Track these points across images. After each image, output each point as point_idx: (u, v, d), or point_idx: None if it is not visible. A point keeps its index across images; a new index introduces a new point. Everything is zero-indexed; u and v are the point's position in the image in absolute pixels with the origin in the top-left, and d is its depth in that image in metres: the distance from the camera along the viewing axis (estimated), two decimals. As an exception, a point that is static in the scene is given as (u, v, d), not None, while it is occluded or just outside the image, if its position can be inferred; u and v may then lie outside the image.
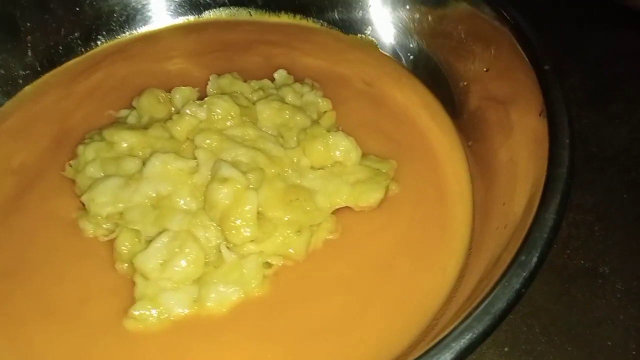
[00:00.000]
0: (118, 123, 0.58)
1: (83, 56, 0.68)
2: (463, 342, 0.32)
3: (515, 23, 0.52)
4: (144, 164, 0.51)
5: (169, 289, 0.46)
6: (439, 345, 0.32)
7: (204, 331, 0.46)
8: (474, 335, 0.32)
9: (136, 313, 0.45)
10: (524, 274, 0.35)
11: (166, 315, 0.46)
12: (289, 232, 0.49)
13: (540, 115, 0.46)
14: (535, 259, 0.35)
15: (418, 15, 0.63)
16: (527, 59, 0.50)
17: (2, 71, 0.63)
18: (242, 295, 0.47)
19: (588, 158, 0.64)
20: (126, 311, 0.46)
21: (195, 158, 0.51)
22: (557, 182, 0.39)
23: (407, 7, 0.64)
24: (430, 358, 0.31)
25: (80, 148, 0.55)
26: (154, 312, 0.46)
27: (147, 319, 0.45)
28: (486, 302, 0.33)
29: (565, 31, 0.75)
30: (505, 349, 0.50)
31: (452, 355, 0.31)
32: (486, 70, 0.56)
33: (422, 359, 0.31)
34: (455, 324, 0.33)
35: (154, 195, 0.49)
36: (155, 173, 0.49)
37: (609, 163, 0.63)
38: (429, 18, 0.62)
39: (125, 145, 0.53)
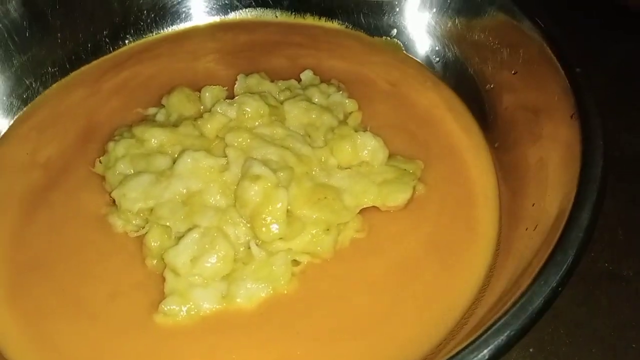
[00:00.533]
0: (147, 120, 0.59)
1: (111, 55, 0.69)
2: (501, 339, 0.32)
3: (545, 26, 0.53)
4: (174, 161, 0.52)
5: (199, 285, 0.47)
6: (477, 342, 0.32)
7: (233, 327, 0.46)
8: (512, 333, 0.32)
9: (166, 308, 0.46)
10: (561, 272, 0.35)
11: (195, 310, 0.47)
12: (316, 230, 0.50)
13: (571, 117, 0.46)
14: (571, 258, 0.35)
15: (444, 18, 0.64)
16: (557, 62, 0.50)
17: (32, 68, 0.64)
18: (271, 292, 0.48)
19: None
20: (155, 306, 0.47)
21: (225, 156, 0.51)
22: (592, 183, 0.40)
23: (434, 10, 0.64)
24: (468, 354, 0.31)
25: (111, 145, 0.56)
26: (183, 307, 0.46)
27: (176, 315, 0.46)
28: (523, 299, 0.34)
29: (585, 37, 0.76)
30: (530, 350, 0.50)
31: (490, 353, 0.31)
32: (514, 73, 0.56)
33: (461, 354, 0.31)
34: (493, 320, 0.33)
35: (184, 191, 0.50)
36: (186, 170, 0.50)
37: (630, 168, 0.64)
38: (455, 21, 0.63)
39: (155, 142, 0.54)
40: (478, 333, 0.33)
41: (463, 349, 0.32)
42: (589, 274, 0.55)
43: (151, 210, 0.50)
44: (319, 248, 0.50)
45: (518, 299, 0.34)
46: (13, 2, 0.60)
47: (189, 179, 0.50)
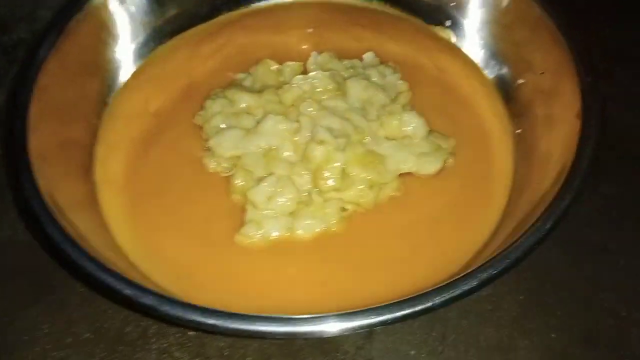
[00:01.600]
0: (236, 85, 0.73)
1: (207, 23, 0.81)
2: (484, 275, 0.46)
3: (571, 37, 0.63)
4: (258, 121, 0.66)
5: (271, 216, 0.61)
6: (466, 276, 0.46)
7: (293, 251, 0.60)
8: (493, 272, 0.46)
9: (245, 232, 0.61)
10: (539, 235, 0.48)
11: (267, 236, 0.61)
12: (363, 186, 0.62)
13: (576, 116, 0.57)
14: (548, 226, 0.49)
15: (492, 18, 0.74)
16: (575, 70, 0.61)
17: (149, 31, 0.78)
18: (324, 228, 0.61)
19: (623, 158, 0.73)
20: (237, 230, 0.61)
21: (298, 121, 0.65)
22: (576, 173, 0.52)
23: (484, 9, 0.74)
24: (458, 283, 0.46)
25: (208, 102, 0.70)
26: (258, 233, 0.61)
27: (252, 237, 0.60)
28: (510, 249, 0.47)
29: (610, 33, 0.82)
30: (520, 297, 0.62)
31: (475, 282, 0.46)
32: (542, 73, 0.67)
33: (454, 283, 0.46)
34: (479, 265, 0.47)
35: (265, 146, 0.64)
36: (268, 130, 0.64)
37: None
38: (500, 21, 0.73)
39: (243, 104, 0.68)
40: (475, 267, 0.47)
41: (456, 279, 0.46)
42: (583, 244, 0.66)
43: (238, 157, 0.65)
44: (363, 200, 0.63)
45: (504, 250, 0.48)
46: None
47: (269, 137, 0.64)
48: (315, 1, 0.83)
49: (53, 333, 0.61)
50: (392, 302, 0.46)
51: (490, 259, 0.48)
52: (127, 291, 0.46)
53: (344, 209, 0.63)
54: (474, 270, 0.47)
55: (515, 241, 0.48)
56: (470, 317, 0.62)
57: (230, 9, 0.83)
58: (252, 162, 0.64)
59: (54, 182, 0.56)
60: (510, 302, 0.62)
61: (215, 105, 0.69)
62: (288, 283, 0.59)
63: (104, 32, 0.71)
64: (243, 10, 0.83)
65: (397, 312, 0.45)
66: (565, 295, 0.63)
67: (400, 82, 0.72)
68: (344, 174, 0.62)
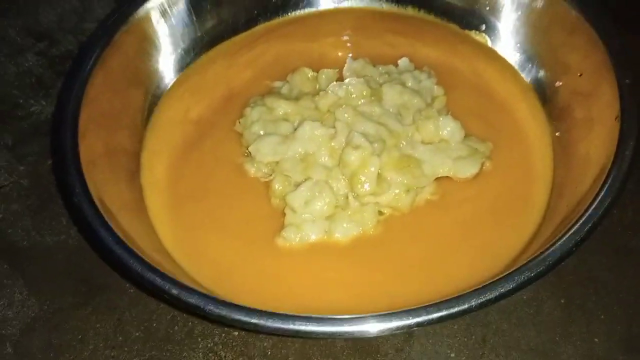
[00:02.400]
0: (274, 92, 0.75)
1: (245, 33, 0.83)
2: (523, 277, 0.46)
3: (610, 40, 0.62)
4: (295, 128, 0.68)
5: (309, 220, 0.62)
6: (504, 278, 0.46)
7: (331, 254, 0.62)
8: (531, 275, 0.46)
9: (285, 235, 0.62)
10: (577, 238, 0.48)
11: (306, 239, 0.62)
12: (399, 190, 0.63)
13: (615, 119, 0.57)
14: (586, 228, 0.48)
15: (527, 20, 0.74)
16: (614, 72, 0.60)
17: (189, 42, 0.80)
18: (361, 232, 0.62)
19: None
20: (277, 233, 0.62)
21: (335, 127, 0.66)
22: (616, 175, 0.51)
23: (519, 12, 0.74)
24: (496, 284, 0.46)
25: (247, 110, 0.72)
26: (297, 235, 0.62)
27: (292, 240, 0.62)
28: (548, 252, 0.47)
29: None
30: (562, 301, 0.62)
31: (513, 285, 0.46)
32: (580, 75, 0.66)
33: (492, 285, 0.46)
34: (518, 266, 0.47)
35: (302, 152, 0.65)
36: (305, 136, 0.65)
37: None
38: (537, 23, 0.73)
39: (281, 111, 0.70)
40: (513, 269, 0.47)
41: (494, 281, 0.46)
42: (622, 248, 0.65)
43: (277, 163, 0.66)
44: (399, 204, 0.63)
45: (542, 252, 0.48)
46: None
47: (306, 143, 0.65)
48: (350, 8, 0.85)
49: (104, 333, 0.63)
50: (429, 303, 0.46)
51: (528, 262, 0.48)
52: (174, 291, 0.48)
53: (381, 213, 0.64)
54: (510, 272, 0.47)
55: (552, 244, 0.48)
56: (511, 321, 0.61)
57: (266, 19, 0.85)
58: (290, 167, 0.65)
59: (103, 187, 0.59)
60: (551, 306, 0.62)
61: (254, 113, 0.71)
62: (326, 285, 0.61)
63: (146, 43, 0.74)
64: (279, 19, 0.85)
65: (434, 313, 0.46)
66: (608, 299, 0.62)
67: (436, 86, 0.73)
68: (380, 178, 0.63)
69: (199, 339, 0.62)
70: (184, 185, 0.69)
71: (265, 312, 0.47)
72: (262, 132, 0.69)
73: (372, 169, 0.63)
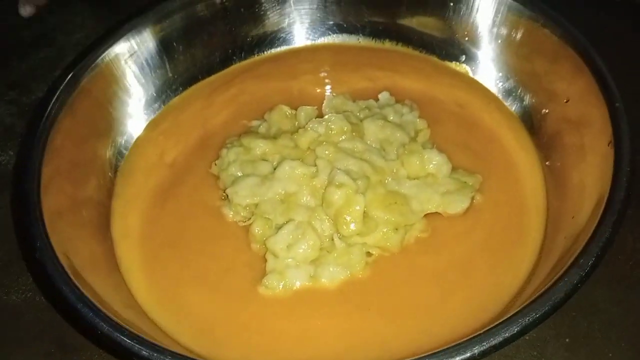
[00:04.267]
0: (251, 132, 0.72)
1: (220, 73, 0.81)
2: (527, 319, 0.42)
3: (595, 64, 0.60)
4: (274, 167, 0.64)
5: (293, 266, 0.59)
6: (507, 321, 0.42)
7: (318, 300, 0.58)
8: (536, 316, 0.42)
9: (267, 283, 0.58)
10: (581, 273, 0.44)
11: (290, 286, 0.58)
12: (387, 229, 0.60)
13: (608, 145, 0.54)
14: (591, 261, 0.45)
15: (508, 49, 0.72)
16: (602, 97, 0.58)
17: (160, 84, 0.78)
18: (349, 275, 0.59)
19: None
20: (259, 281, 0.58)
21: (316, 165, 0.63)
22: (616, 203, 0.48)
23: (499, 41, 0.73)
24: (499, 329, 0.42)
25: (224, 151, 0.69)
26: (280, 283, 0.58)
27: (275, 288, 0.58)
28: (549, 292, 0.43)
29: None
30: (567, 340, 0.58)
31: (518, 328, 0.42)
32: (566, 102, 0.64)
33: (495, 330, 0.42)
34: (521, 307, 0.43)
35: (282, 192, 0.62)
36: (285, 175, 0.62)
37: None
38: (518, 52, 0.71)
39: (259, 151, 0.67)
40: (508, 315, 0.43)
41: (494, 327, 0.42)
42: (626, 280, 0.62)
43: (256, 205, 0.63)
44: (388, 243, 0.60)
45: (544, 292, 0.44)
46: (148, 35, 0.74)
47: (286, 183, 0.62)
48: (326, 44, 0.84)
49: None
50: (427, 354, 0.42)
51: (532, 301, 0.44)
52: (144, 352, 0.44)
53: (369, 254, 0.61)
54: (515, 314, 0.43)
55: (558, 280, 0.45)
56: (513, 365, 0.57)
57: (242, 58, 0.83)
58: (270, 209, 0.62)
59: (69, 242, 0.55)
60: (556, 347, 0.58)
61: (230, 154, 0.67)
62: (314, 335, 0.56)
63: (116, 86, 0.71)
64: (255, 58, 0.83)
65: (434, 364, 0.41)
66: (615, 335, 0.58)
67: (419, 119, 0.70)
68: (366, 217, 0.60)
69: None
70: (158, 234, 0.65)
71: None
72: (239, 174, 0.66)
73: (357, 208, 0.59)
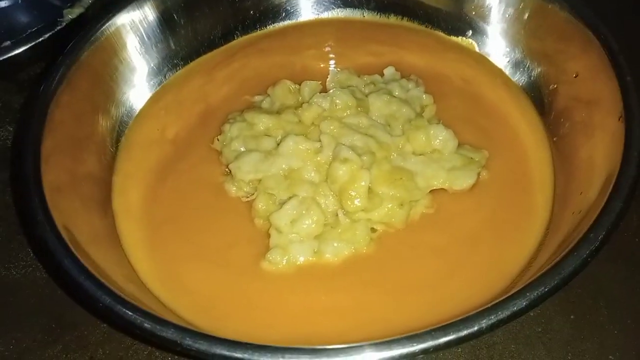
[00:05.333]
0: (255, 107, 0.70)
1: (222, 48, 0.79)
2: (537, 292, 0.41)
3: (604, 36, 0.59)
4: (278, 143, 0.63)
5: (297, 241, 0.58)
6: (516, 294, 0.42)
7: (322, 276, 0.57)
8: (546, 289, 0.42)
9: (270, 258, 0.57)
10: (591, 247, 0.44)
11: (293, 261, 0.57)
12: (392, 205, 0.59)
13: (619, 120, 0.53)
14: (602, 235, 0.44)
15: (516, 23, 0.71)
16: (613, 70, 0.57)
17: (162, 58, 0.76)
18: (353, 251, 0.58)
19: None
20: (262, 256, 0.58)
21: (320, 140, 0.62)
22: (627, 178, 0.47)
23: (507, 15, 0.71)
24: (508, 302, 0.41)
25: (227, 126, 0.67)
26: (284, 258, 0.57)
27: (279, 263, 0.57)
28: (559, 265, 0.43)
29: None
30: (571, 317, 0.58)
31: (527, 302, 0.41)
32: (575, 77, 0.63)
33: (503, 303, 0.41)
34: (530, 280, 0.43)
35: (286, 168, 0.61)
36: (288, 151, 0.61)
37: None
38: (526, 26, 0.70)
39: (262, 126, 0.66)
40: (517, 289, 0.42)
41: (503, 300, 0.42)
42: (633, 258, 0.61)
43: (259, 181, 0.62)
44: (393, 219, 0.59)
45: (553, 267, 0.43)
46: (149, 8, 0.73)
47: (290, 158, 0.61)
48: (330, 19, 0.82)
49: (75, 373, 0.58)
50: (433, 327, 0.41)
51: (542, 274, 0.43)
52: (147, 325, 0.43)
53: (373, 230, 0.60)
54: (524, 288, 0.42)
55: (568, 254, 0.44)
56: (518, 340, 0.57)
57: (245, 32, 0.81)
58: (274, 184, 0.61)
59: (69, 216, 0.54)
60: (561, 323, 0.58)
61: (233, 129, 0.66)
62: (318, 311, 0.56)
63: (117, 60, 0.70)
64: (258, 32, 0.81)
65: (440, 338, 0.41)
66: (621, 313, 0.58)
67: (425, 95, 0.69)
68: (371, 192, 0.59)
69: (179, 377, 0.57)
70: (160, 210, 0.64)
71: (249, 344, 0.41)
72: (242, 149, 0.65)
73: (363, 183, 0.58)
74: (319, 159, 0.61)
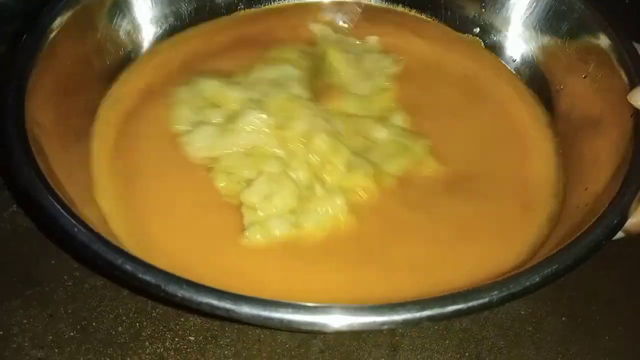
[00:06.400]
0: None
1: (226, 17, 0.76)
2: (550, 269, 0.40)
3: (615, 39, 0.59)
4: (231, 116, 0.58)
5: (273, 215, 0.53)
6: (528, 270, 0.40)
7: (301, 250, 0.53)
8: (551, 270, 0.40)
9: (248, 235, 0.52)
10: (603, 233, 0.42)
11: (271, 236, 0.53)
12: (373, 172, 0.57)
13: (631, 116, 0.53)
14: (615, 222, 0.43)
15: (524, 22, 0.70)
16: (622, 72, 0.56)
17: (163, 14, 0.72)
18: (335, 223, 0.54)
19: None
20: (240, 229, 0.53)
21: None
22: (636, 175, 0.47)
23: (513, 13, 0.71)
24: (520, 277, 0.39)
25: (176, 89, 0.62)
26: (263, 235, 0.53)
27: (257, 241, 0.52)
28: (558, 257, 0.42)
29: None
30: (563, 319, 0.56)
31: (539, 278, 0.39)
32: (584, 77, 0.62)
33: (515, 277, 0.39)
34: (543, 258, 0.41)
35: (249, 146, 0.57)
36: (249, 128, 0.57)
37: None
38: (535, 26, 0.69)
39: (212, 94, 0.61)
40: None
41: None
42: (627, 263, 0.60)
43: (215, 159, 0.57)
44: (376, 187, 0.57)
45: (562, 250, 0.42)
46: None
47: (251, 134, 0.57)
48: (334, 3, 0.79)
49: (32, 330, 0.53)
50: (443, 294, 0.39)
51: (555, 253, 0.41)
52: (128, 266, 0.39)
53: (356, 197, 0.56)
54: (537, 265, 0.40)
55: (583, 234, 0.42)
56: (508, 337, 0.55)
57: (247, 6, 0.78)
58: (233, 163, 0.56)
59: (50, 152, 0.50)
60: (552, 323, 0.56)
61: (182, 92, 0.61)
62: (299, 287, 0.51)
63: (117, 8, 0.66)
64: (261, 8, 0.78)
65: (448, 306, 0.38)
66: (614, 317, 0.56)
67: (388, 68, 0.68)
68: (349, 162, 0.57)
69: (147, 343, 0.53)
70: (132, 163, 0.59)
71: (240, 295, 0.38)
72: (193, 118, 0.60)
73: (341, 152, 0.56)
74: (283, 133, 0.58)
